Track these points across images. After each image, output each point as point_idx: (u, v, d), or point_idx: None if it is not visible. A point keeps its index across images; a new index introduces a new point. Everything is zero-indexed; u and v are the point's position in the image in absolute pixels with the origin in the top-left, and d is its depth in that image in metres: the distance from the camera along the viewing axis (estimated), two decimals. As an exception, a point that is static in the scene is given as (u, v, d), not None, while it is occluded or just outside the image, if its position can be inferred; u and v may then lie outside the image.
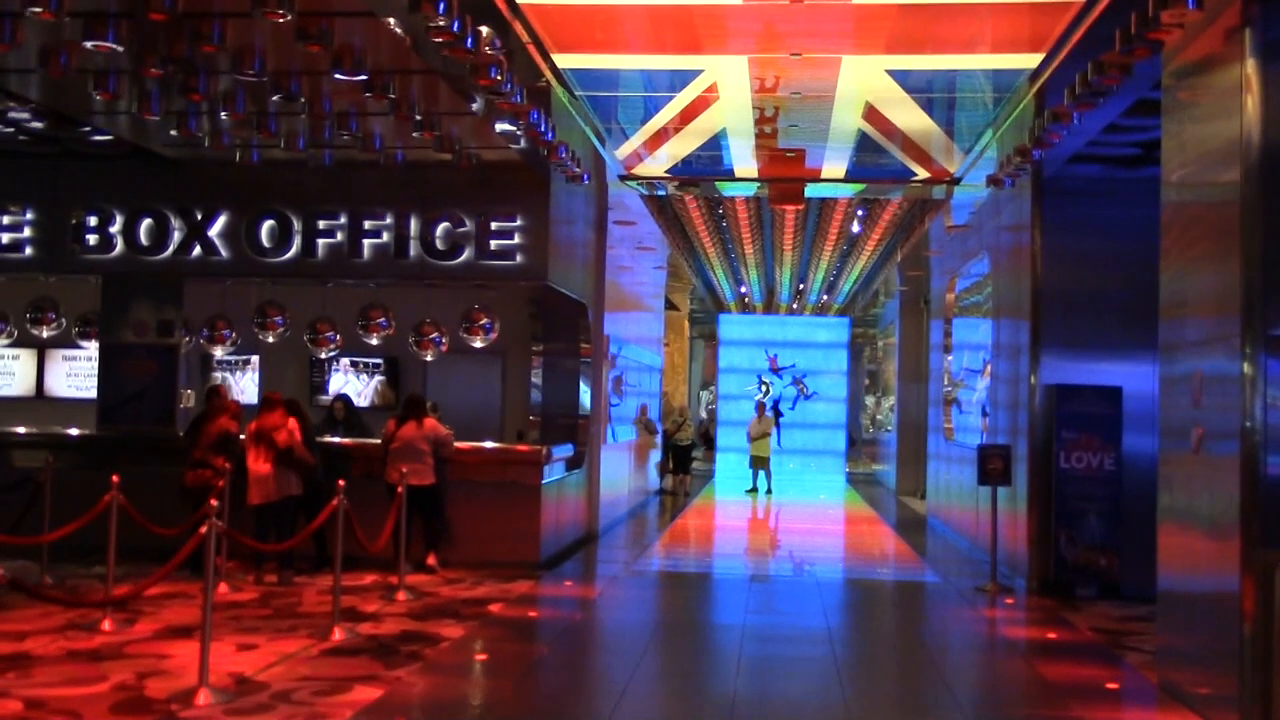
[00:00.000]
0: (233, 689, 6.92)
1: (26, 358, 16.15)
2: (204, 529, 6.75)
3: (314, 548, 11.28)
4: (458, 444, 12.46)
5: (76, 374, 16.00)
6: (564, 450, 13.28)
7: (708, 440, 31.48)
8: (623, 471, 18.49)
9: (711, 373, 32.06)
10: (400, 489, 10.68)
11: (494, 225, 12.38)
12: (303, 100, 9.51)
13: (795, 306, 30.29)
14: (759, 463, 23.99)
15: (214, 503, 6.85)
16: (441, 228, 12.44)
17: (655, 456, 23.07)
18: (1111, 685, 7.83)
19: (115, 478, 8.92)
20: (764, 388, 29.75)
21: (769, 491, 23.82)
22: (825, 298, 28.80)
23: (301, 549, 10.52)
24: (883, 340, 29.89)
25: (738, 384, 29.78)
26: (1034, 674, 8.16)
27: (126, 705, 6.55)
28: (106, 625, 8.62)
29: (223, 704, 6.58)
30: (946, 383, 18.04)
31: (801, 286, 26.77)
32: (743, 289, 27.60)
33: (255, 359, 16.12)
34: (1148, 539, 11.52)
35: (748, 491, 24.05)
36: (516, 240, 12.36)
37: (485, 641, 8.68)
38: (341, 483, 9.02)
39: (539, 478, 12.21)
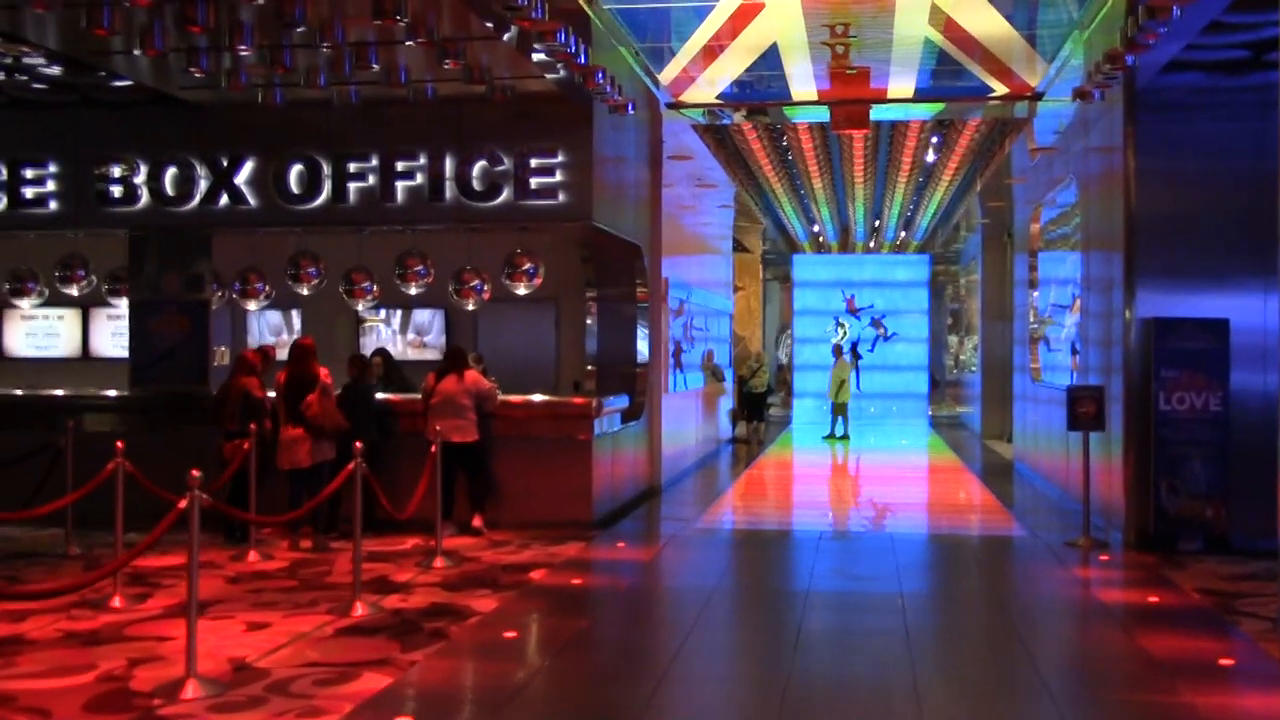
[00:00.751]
0: (228, 678, 6.24)
1: (71, 318, 15.68)
2: (182, 502, 6.04)
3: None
4: (503, 397, 11.72)
5: (121, 333, 15.50)
6: (618, 401, 12.46)
7: (785, 386, 30.51)
8: (690, 421, 17.64)
9: (788, 316, 30.95)
10: (434, 447, 9.93)
11: (534, 163, 11.51)
12: (311, 29, 8.69)
13: (871, 245, 29.06)
14: (838, 408, 23.02)
15: (196, 473, 6.11)
16: (478, 167, 11.60)
17: (726, 404, 22.19)
18: (1225, 661, 6.82)
19: (120, 444, 8.30)
20: (840, 330, 28.64)
21: (845, 437, 22.86)
22: (903, 234, 27.54)
23: (345, 512, 9.84)
24: (965, 277, 28.56)
25: (814, 327, 28.70)
26: (1133, 647, 7.18)
27: (104, 700, 5.89)
28: (117, 601, 8.03)
29: (210, 697, 5.89)
30: (1032, 320, 16.86)
31: (877, 223, 25.56)
32: (815, 228, 26.46)
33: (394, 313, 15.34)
34: (1260, 487, 10.48)
35: (825, 438, 23.10)
36: (558, 178, 11.49)
37: (518, 616, 7.92)
38: (359, 445, 8.27)
39: (590, 431, 11.42)
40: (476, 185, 11.58)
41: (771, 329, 32.57)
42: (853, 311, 28.71)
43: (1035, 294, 16.82)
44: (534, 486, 11.44)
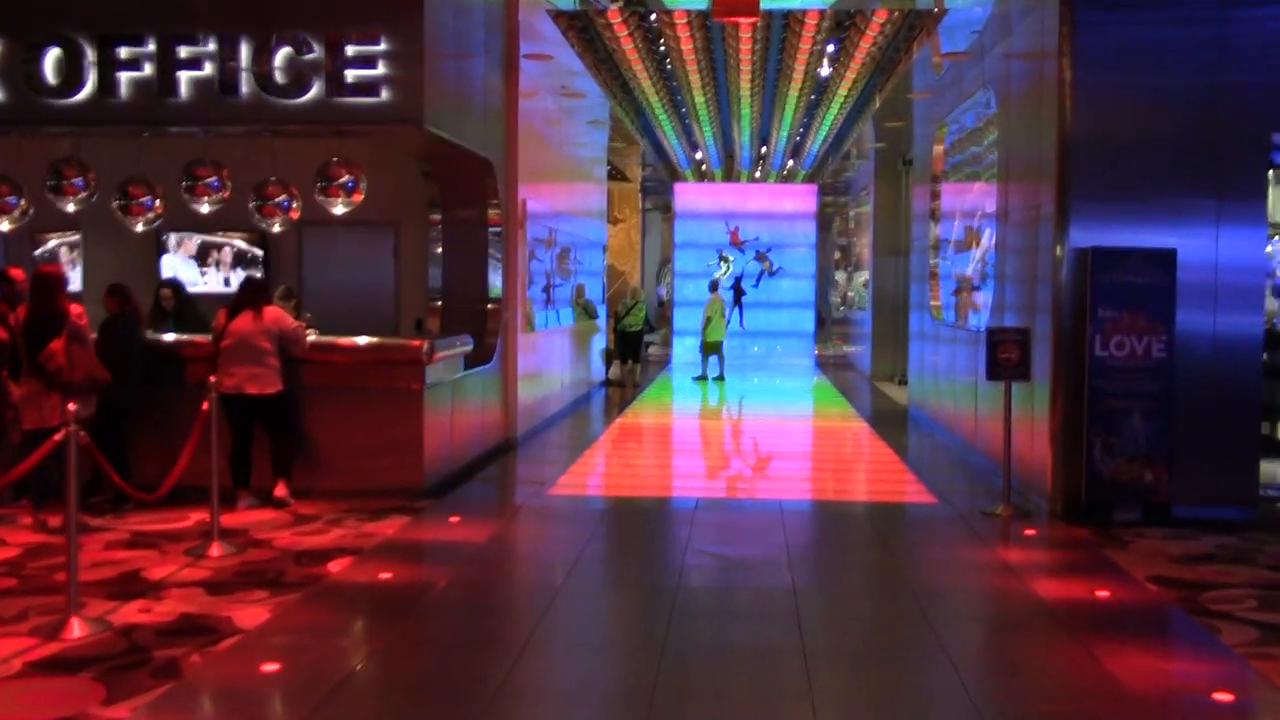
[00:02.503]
0: None
1: None
2: None
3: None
4: (316, 339, 9.66)
5: None
6: (457, 343, 10.46)
7: (666, 323, 28.75)
8: (557, 363, 15.73)
9: (670, 250, 29.10)
10: (208, 401, 7.84)
11: (350, 51, 9.34)
12: None
13: (758, 174, 27.28)
14: (710, 348, 21.32)
15: None
16: (282, 55, 9.37)
17: (600, 343, 20.31)
18: (1221, 696, 5.16)
19: None
20: (724, 265, 26.94)
21: (719, 378, 21.21)
22: (790, 163, 25.80)
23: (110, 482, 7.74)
24: (855, 209, 27.02)
25: (697, 261, 26.92)
26: (1099, 674, 5.47)
27: None
28: None
29: None
30: (933, 256, 15.24)
31: (764, 149, 23.77)
32: (698, 154, 24.58)
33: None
34: (1206, 447, 9.02)
35: (695, 379, 21.41)
36: (381, 70, 9.34)
37: (290, 636, 5.93)
38: (72, 406, 6.17)
39: (421, 380, 9.44)
40: (279, 78, 9.37)
41: (652, 263, 30.64)
42: (737, 245, 26.99)
43: (936, 227, 15.21)
44: (354, 446, 9.47)
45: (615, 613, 6.75)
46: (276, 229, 9.84)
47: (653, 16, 12.94)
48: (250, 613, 6.15)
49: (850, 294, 27.94)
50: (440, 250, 12.17)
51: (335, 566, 7.20)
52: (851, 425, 15.36)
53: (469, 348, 10.61)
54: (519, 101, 12.62)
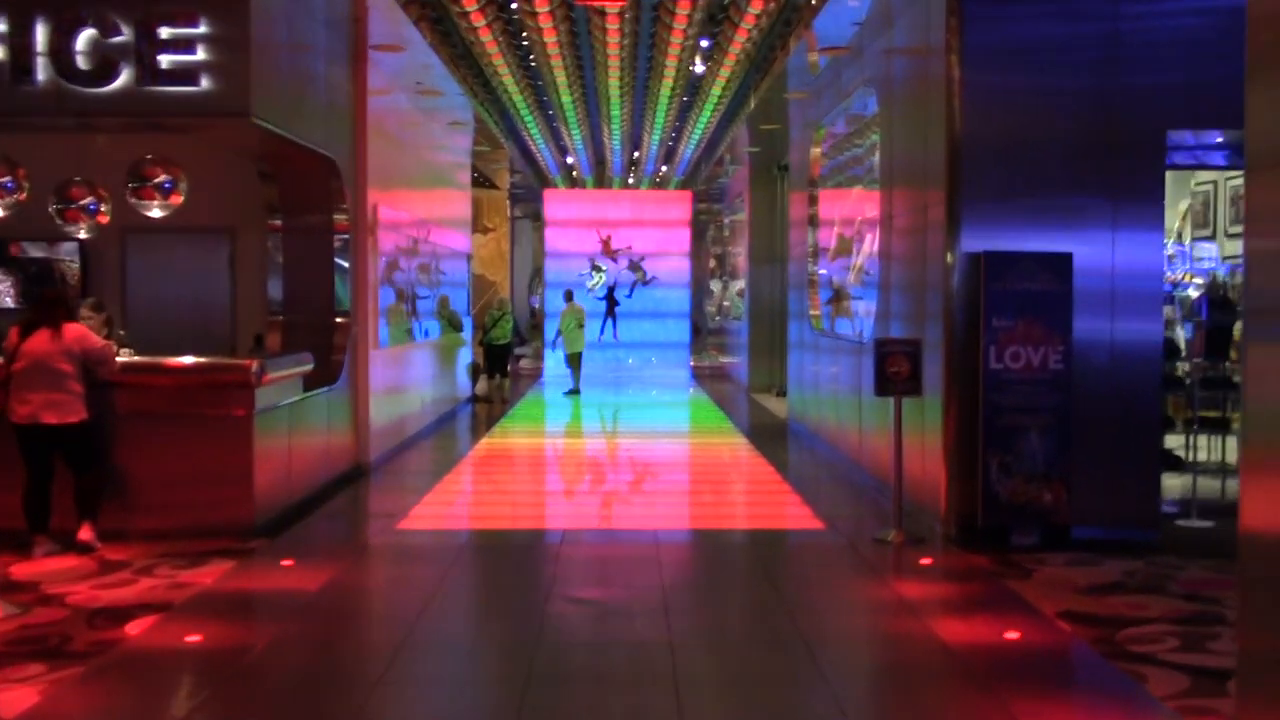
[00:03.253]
0: None
1: None
2: None
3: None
4: (127, 359, 8.53)
5: None
6: (293, 362, 9.41)
7: (539, 335, 27.82)
8: (417, 380, 14.70)
9: (542, 259, 28.14)
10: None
11: (165, 33, 8.25)
12: None
13: (630, 181, 26.54)
14: (573, 359, 20.51)
15: None
16: (85, 37, 8.24)
17: (466, 357, 19.28)
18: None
19: None
20: (596, 274, 26.13)
21: (575, 391, 20.39)
22: (664, 169, 25.12)
23: None
24: (730, 216, 26.43)
25: (568, 270, 26.04)
26: (1016, 734, 4.76)
27: None
28: None
29: None
30: (812, 264, 14.61)
31: (636, 154, 23.02)
32: (568, 159, 23.72)
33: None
34: (1103, 464, 8.46)
35: (567, 394, 20.55)
36: (200, 56, 8.26)
37: (63, 726, 4.88)
38: None
39: (249, 404, 8.37)
40: (82, 63, 8.23)
41: (522, 273, 29.64)
42: (609, 254, 26.20)
43: (815, 233, 14.60)
44: (174, 481, 8.36)
45: (460, 684, 5.80)
46: (82, 235, 8.67)
47: (513, 4, 12.03)
48: (13, 697, 5.06)
49: (726, 303, 27.37)
50: (281, 260, 11.08)
51: (135, 628, 6.12)
52: (730, 441, 14.63)
53: (308, 367, 9.55)
54: (368, 97, 11.61)
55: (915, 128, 9.46)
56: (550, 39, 12.77)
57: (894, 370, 8.51)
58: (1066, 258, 8.26)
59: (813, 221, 14.61)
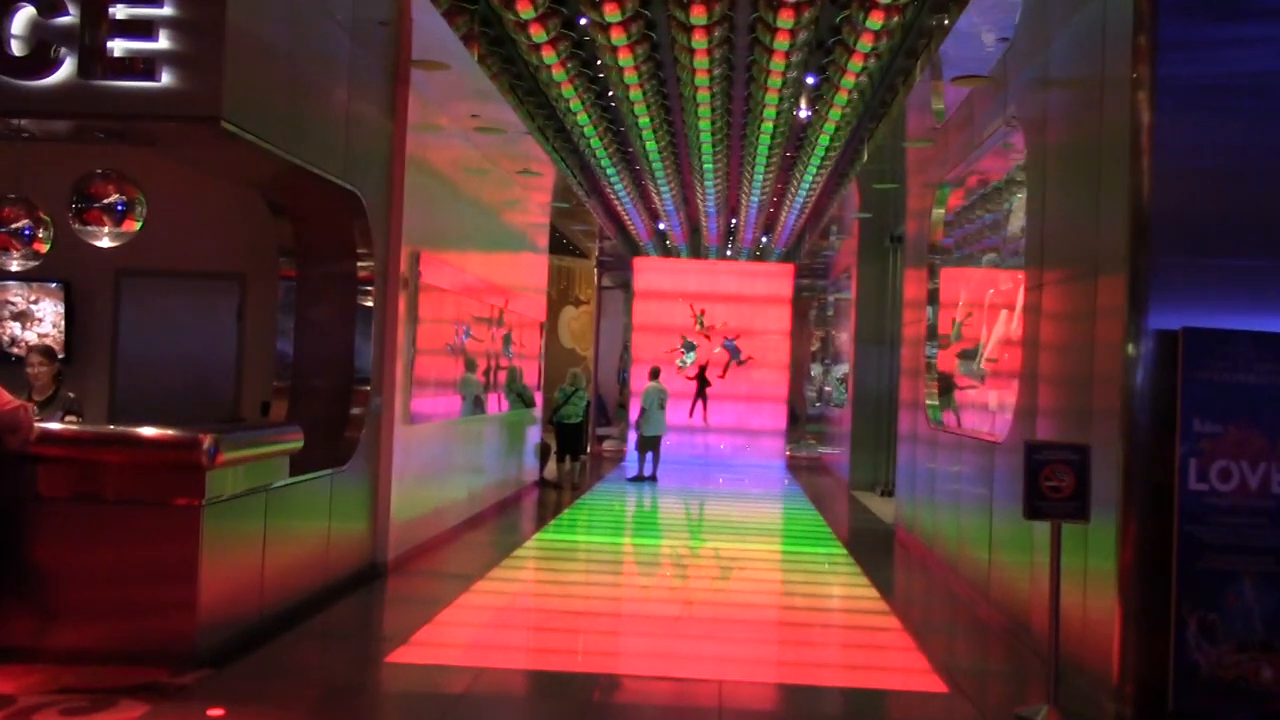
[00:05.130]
0: None
1: None
2: None
3: None
4: (49, 426, 6.72)
5: None
6: (266, 437, 7.49)
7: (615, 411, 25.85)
8: (467, 461, 12.78)
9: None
10: None
11: (120, 12, 6.51)
12: None
13: (728, 253, 24.57)
14: (646, 443, 18.47)
15: None
16: (22, 18, 6.54)
17: (535, 436, 17.37)
18: None
19: None
20: (691, 351, 24.14)
21: (653, 478, 18.33)
22: (765, 239, 23.11)
23: None
24: (834, 294, 24.26)
25: (657, 346, 24.06)
26: None
27: None
28: None
29: None
30: (931, 344, 12.39)
31: (734, 221, 21.07)
32: (660, 225, 21.86)
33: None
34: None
35: (631, 480, 18.50)
36: (162, 43, 6.49)
37: None
38: None
39: (198, 491, 6.44)
40: (16, 49, 6.52)
41: (608, 346, 27.67)
42: (705, 331, 24.19)
43: (930, 312, 12.41)
44: (102, 589, 6.45)
45: None
46: (14, 267, 6.87)
47: (581, 20, 10.13)
48: None
49: (827, 388, 25.11)
50: (293, 314, 9.28)
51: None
52: (826, 554, 12.35)
53: (290, 445, 7.60)
54: (408, 126, 9.83)
55: (1080, 178, 7.30)
56: (626, 61, 10.82)
57: (1052, 485, 6.27)
58: (1299, 341, 6.01)
59: (932, 299, 12.41)
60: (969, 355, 11.58)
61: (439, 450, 11.48)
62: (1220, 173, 6.30)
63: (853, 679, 7.40)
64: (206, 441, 6.40)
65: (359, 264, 9.29)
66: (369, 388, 9.31)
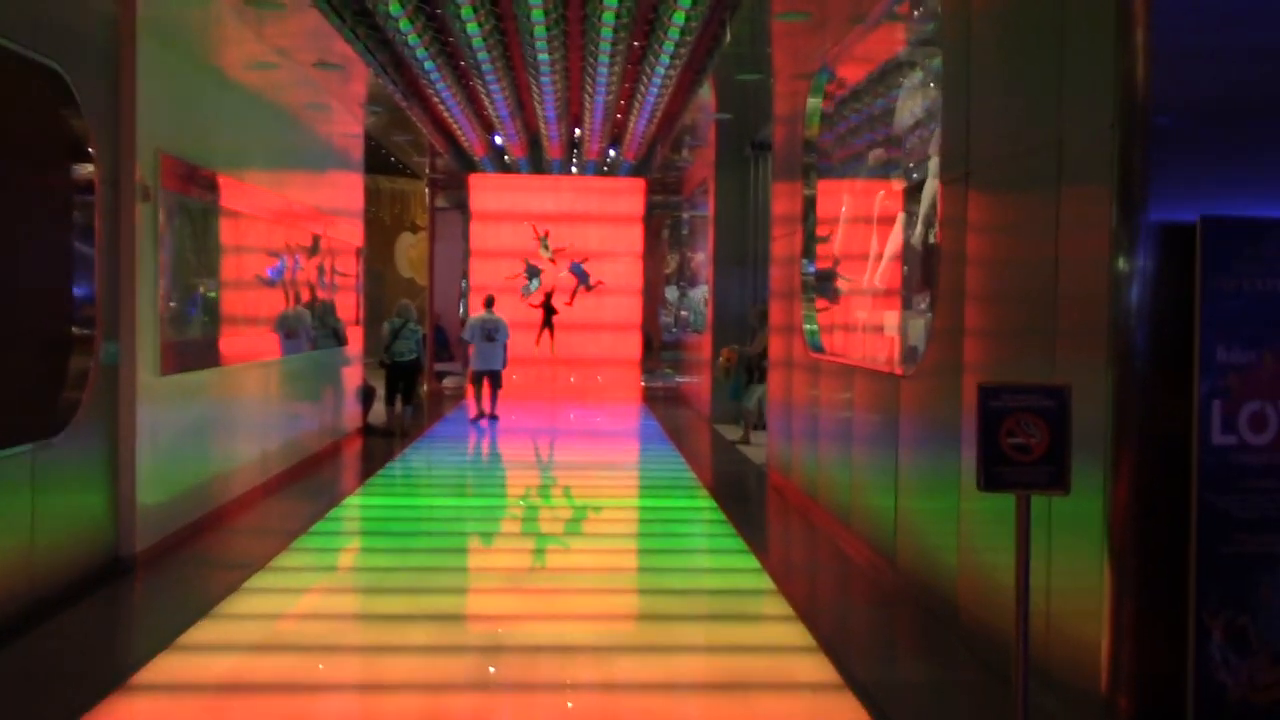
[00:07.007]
0: None
1: None
2: None
3: None
4: None
5: None
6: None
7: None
8: (256, 416, 10.56)
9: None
10: None
11: None
12: None
13: (574, 168, 22.48)
14: (478, 378, 16.52)
15: None
16: None
17: (354, 379, 15.15)
18: None
19: None
20: (531, 275, 22.09)
21: (494, 415, 16.39)
22: (612, 153, 21.07)
23: None
24: (690, 211, 22.43)
25: (498, 271, 21.98)
26: None
27: None
28: None
29: None
30: (805, 264, 10.59)
31: (578, 131, 18.94)
32: (495, 137, 19.60)
33: None
34: None
35: (472, 421, 16.52)
36: None
37: None
38: None
39: None
40: None
41: (444, 274, 25.33)
42: (550, 255, 22.16)
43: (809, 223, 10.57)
44: None
45: None
46: None
47: None
48: None
49: (684, 313, 23.35)
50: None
51: None
52: (692, 506, 10.55)
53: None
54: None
55: (1029, 45, 5.47)
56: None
57: (1017, 442, 4.46)
58: (1353, 233, 4.30)
59: (809, 208, 10.59)
60: (850, 272, 9.85)
61: (213, 405, 9.24)
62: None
63: (745, 684, 5.49)
64: None
65: (73, 168, 6.98)
66: (94, 332, 7.05)
